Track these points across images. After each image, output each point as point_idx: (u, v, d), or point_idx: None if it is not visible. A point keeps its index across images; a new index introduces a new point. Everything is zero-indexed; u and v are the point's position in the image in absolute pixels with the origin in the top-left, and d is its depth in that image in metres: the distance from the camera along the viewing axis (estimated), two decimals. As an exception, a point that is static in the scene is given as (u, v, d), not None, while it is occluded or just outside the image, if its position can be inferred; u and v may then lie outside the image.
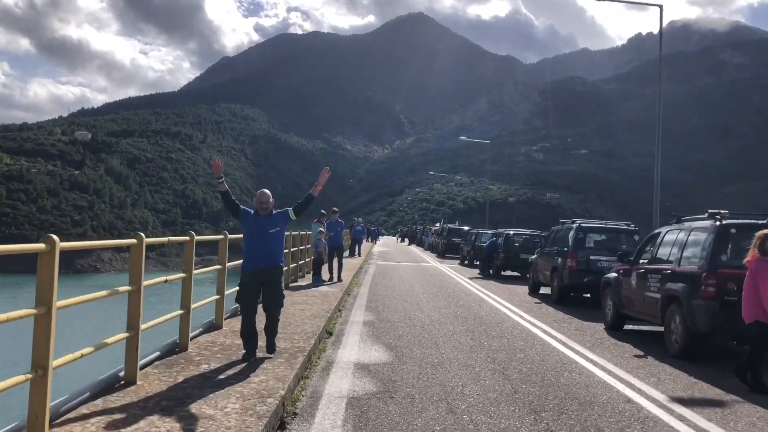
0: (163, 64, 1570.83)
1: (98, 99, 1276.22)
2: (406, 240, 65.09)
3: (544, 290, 16.31)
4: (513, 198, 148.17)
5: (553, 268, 14.83)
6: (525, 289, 17.49)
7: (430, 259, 32.65)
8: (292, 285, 14.33)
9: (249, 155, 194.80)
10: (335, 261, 16.36)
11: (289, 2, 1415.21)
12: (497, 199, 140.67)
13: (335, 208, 17.43)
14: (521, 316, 11.90)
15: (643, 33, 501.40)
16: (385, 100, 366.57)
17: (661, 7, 22.00)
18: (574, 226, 14.69)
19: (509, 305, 13.58)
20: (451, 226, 41.27)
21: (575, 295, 14.79)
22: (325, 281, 15.35)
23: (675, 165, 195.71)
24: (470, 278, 20.62)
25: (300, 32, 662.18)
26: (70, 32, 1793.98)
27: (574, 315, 12.51)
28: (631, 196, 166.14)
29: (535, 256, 17.19)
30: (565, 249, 14.35)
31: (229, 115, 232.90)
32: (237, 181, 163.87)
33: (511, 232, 22.89)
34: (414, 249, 46.97)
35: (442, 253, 35.71)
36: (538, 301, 14.92)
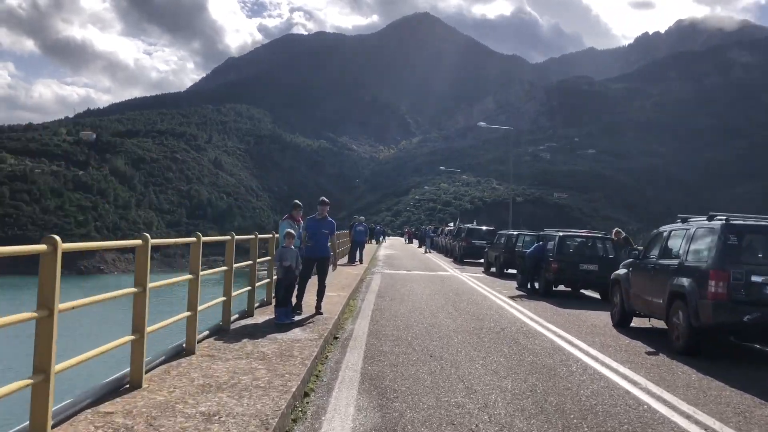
0: (167, 65, 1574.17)
1: (103, 99, 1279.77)
2: (415, 241, 59.25)
3: (636, 321, 11.05)
4: (520, 198, 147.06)
5: (672, 294, 8.93)
6: (601, 317, 11.99)
7: (446, 266, 26.84)
8: (234, 327, 8.40)
9: (254, 155, 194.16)
10: (313, 282, 10.31)
11: (292, 2, 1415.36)
12: (505, 198, 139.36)
13: (324, 198, 10.58)
14: (678, 409, 5.78)
15: (650, 32, 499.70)
16: (390, 100, 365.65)
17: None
18: (717, 224, 8.69)
19: (625, 370, 7.30)
20: (470, 225, 34.91)
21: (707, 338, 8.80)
22: (296, 317, 9.42)
23: (684, 164, 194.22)
24: (511, 297, 15.08)
25: (303, 32, 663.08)
26: (74, 33, 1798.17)
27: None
28: (639, 196, 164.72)
29: (625, 271, 11.15)
30: (701, 264, 8.54)
31: (235, 116, 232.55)
32: (242, 181, 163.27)
33: (562, 234, 16.83)
34: (423, 252, 40.04)
35: (460, 258, 30.24)
36: (652, 350, 8.79)
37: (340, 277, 16.07)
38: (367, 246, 38.21)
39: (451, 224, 49.37)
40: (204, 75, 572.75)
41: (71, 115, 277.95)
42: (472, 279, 20.10)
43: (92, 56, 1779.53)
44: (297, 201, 10.67)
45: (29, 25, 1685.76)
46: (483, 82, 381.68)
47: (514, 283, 18.41)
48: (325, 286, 10.29)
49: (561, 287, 16.69)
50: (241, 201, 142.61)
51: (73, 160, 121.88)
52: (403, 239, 73.17)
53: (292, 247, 9.33)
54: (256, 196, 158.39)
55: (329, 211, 10.55)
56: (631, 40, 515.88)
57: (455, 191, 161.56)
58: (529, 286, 16.99)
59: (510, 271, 21.26)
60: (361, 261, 23.36)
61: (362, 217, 25.33)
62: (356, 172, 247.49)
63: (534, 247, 17.03)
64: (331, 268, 10.89)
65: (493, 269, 23.40)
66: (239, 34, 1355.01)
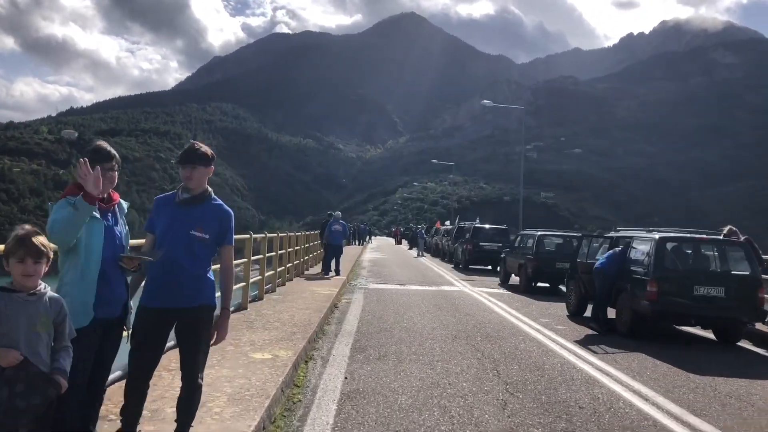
0: (150, 64, 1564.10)
1: (85, 98, 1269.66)
2: (404, 242, 53.34)
3: None
4: (508, 197, 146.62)
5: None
6: None
7: (449, 275, 20.83)
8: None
9: (240, 154, 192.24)
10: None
11: (275, 1, 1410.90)
12: (492, 198, 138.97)
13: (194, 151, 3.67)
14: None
15: (635, 33, 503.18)
16: (377, 100, 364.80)
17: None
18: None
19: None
20: (475, 224, 28.14)
21: None
22: None
23: (669, 164, 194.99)
24: (581, 343, 8.92)
25: (287, 31, 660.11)
26: (56, 31, 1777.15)
27: None
28: (627, 195, 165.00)
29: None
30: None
31: (220, 114, 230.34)
32: (227, 180, 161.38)
33: (663, 236, 10.18)
34: (415, 256, 34.17)
35: (465, 264, 24.61)
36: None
37: (301, 301, 10.86)
38: (349, 249, 32.71)
39: (447, 222, 44.43)
40: (189, 74, 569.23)
41: (54, 114, 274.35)
42: (493, 299, 14.01)
43: (74, 54, 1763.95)
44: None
45: (9, 23, 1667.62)
46: (469, 82, 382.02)
47: (555, 306, 13.09)
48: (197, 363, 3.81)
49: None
50: (225, 200, 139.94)
51: (54, 158, 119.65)
52: (392, 240, 67.16)
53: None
54: (241, 195, 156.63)
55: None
56: (615, 40, 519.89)
57: (442, 191, 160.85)
58: (602, 323, 10.23)
59: (540, 284, 16.69)
60: (337, 272, 17.48)
61: (338, 213, 19.17)
62: (343, 172, 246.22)
63: (607, 259, 10.32)
64: (317, 268, 13.83)
65: (513, 280, 18.16)
66: (222, 32, 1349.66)
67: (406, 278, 18.81)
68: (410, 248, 42.92)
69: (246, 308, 9.47)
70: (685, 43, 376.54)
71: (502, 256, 19.25)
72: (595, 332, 9.91)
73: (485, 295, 14.96)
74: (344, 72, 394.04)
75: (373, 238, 64.53)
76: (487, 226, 27.57)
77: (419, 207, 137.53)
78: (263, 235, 12.07)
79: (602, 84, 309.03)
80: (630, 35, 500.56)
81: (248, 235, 10.55)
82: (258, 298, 10.90)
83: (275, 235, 13.18)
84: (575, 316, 11.57)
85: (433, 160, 72.39)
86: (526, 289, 16.20)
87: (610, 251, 10.53)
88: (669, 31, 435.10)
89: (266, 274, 11.55)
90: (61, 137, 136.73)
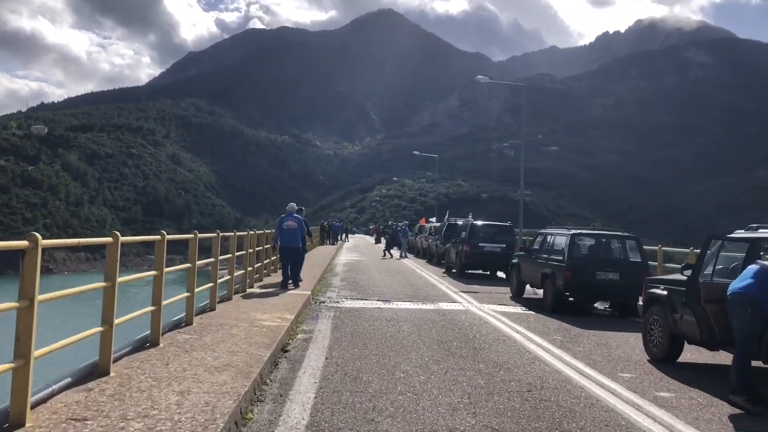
0: (122, 59, 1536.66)
1: (56, 94, 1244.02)
2: (383, 240, 48.11)
3: None
4: (486, 194, 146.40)
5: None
6: None
7: (443, 285, 17.15)
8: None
9: (215, 151, 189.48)
10: None
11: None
12: (470, 195, 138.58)
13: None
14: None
15: (610, 32, 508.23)
16: (355, 97, 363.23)
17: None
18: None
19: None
20: (470, 221, 23.14)
21: None
22: None
23: (645, 162, 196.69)
24: None
25: (261, 26, 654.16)
26: (24, 24, 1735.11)
27: None
28: (604, 193, 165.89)
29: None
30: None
31: (195, 110, 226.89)
32: (201, 177, 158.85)
33: None
34: (399, 258, 30.54)
35: (460, 269, 20.76)
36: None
37: (222, 347, 6.87)
38: (322, 250, 31.73)
39: (434, 219, 40.08)
40: (163, 69, 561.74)
41: (24, 109, 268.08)
42: (520, 327, 10.40)
43: (43, 49, 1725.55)
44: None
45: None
46: (447, 80, 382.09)
47: (617, 340, 9.65)
48: None
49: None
50: (200, 198, 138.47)
51: (23, 154, 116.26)
52: (370, 238, 63.15)
53: None
54: (216, 192, 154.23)
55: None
56: (590, 38, 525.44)
57: (420, 188, 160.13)
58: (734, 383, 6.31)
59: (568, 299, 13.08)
60: (296, 283, 13.83)
61: (292, 204, 14.67)
62: (320, 169, 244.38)
63: (759, 277, 6.36)
64: (253, 288, 13.26)
65: (531, 294, 14.90)
66: (196, 27, 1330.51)
67: (391, 290, 15.00)
68: (388, 249, 38.21)
69: (108, 373, 5.41)
70: (660, 42, 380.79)
71: (514, 261, 15.45)
72: (740, 410, 5.86)
73: (503, 318, 11.15)
74: (321, 68, 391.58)
75: (350, 236, 61.35)
76: (487, 223, 23.10)
77: (397, 204, 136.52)
78: (191, 236, 8.28)
79: (578, 82, 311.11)
80: (606, 34, 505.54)
81: (159, 237, 6.97)
82: (149, 344, 6.70)
83: (214, 235, 9.47)
84: (668, 363, 7.90)
85: (415, 152, 70.34)
86: (555, 307, 12.54)
87: (754, 266, 6.46)
88: (644, 30, 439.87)
89: (190, 294, 7.96)
90: (30, 132, 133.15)
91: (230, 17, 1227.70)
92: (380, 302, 12.77)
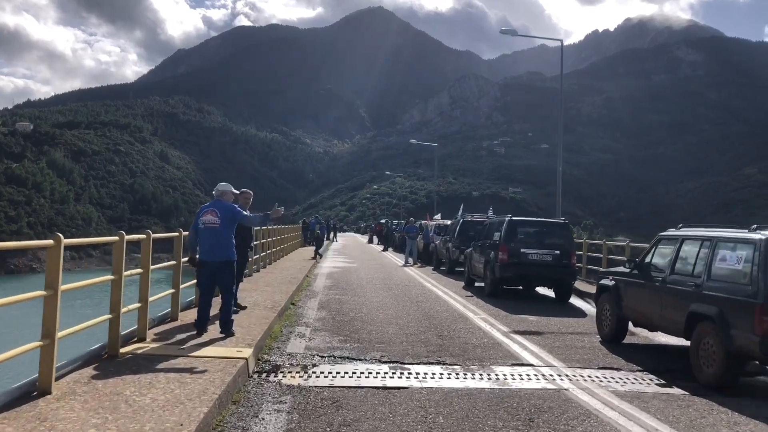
0: (109, 56, 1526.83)
1: (42, 91, 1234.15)
2: (375, 239, 45.81)
3: None
4: (477, 192, 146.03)
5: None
6: None
7: (488, 323, 10.28)
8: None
9: (203, 148, 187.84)
10: None
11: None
12: (461, 193, 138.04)
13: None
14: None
15: (600, 30, 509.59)
16: (345, 95, 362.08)
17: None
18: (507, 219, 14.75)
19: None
20: (513, 218, 15.09)
21: None
22: None
23: (634, 159, 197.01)
24: None
25: (248, 23, 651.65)
26: (7, 20, 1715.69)
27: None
28: (593, 190, 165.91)
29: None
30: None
31: (183, 108, 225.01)
32: (190, 174, 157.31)
33: None
34: (395, 260, 26.57)
35: (493, 285, 14.34)
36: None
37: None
38: (301, 254, 25.00)
39: (438, 216, 33.94)
40: (151, 67, 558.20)
41: (10, 107, 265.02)
42: None
43: (27, 45, 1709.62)
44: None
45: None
46: (437, 78, 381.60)
47: None
48: None
49: None
50: (188, 195, 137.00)
51: (8, 152, 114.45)
52: (362, 237, 59.92)
53: None
54: (204, 190, 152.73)
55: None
56: (579, 36, 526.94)
57: (411, 185, 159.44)
58: None
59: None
60: (225, 329, 7.57)
61: (224, 185, 7.93)
62: (310, 166, 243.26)
63: None
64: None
65: (639, 337, 9.65)
66: (183, 24, 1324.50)
67: (399, 331, 9.20)
68: (384, 249, 33.24)
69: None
70: (649, 41, 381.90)
71: (607, 283, 9.43)
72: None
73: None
74: (311, 66, 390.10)
75: (339, 235, 55.01)
76: (531, 219, 16.59)
77: (387, 202, 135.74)
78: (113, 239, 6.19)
79: (568, 80, 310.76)
80: (595, 32, 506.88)
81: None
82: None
83: (142, 236, 7.00)
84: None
85: (412, 140, 67.50)
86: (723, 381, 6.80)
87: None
88: (633, 29, 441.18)
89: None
90: (16, 130, 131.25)
91: (217, 14, 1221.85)
92: (385, 368, 6.82)
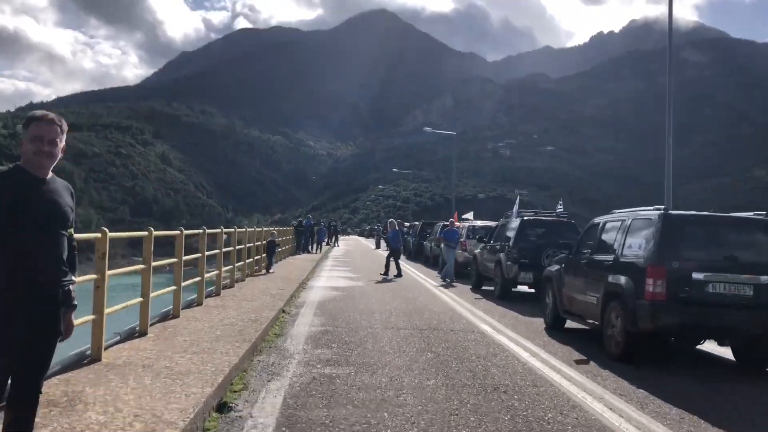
0: (109, 58, 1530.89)
1: (44, 93, 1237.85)
2: (383, 244, 37.55)
3: None
4: (482, 194, 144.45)
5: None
6: None
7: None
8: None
9: (206, 151, 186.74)
10: None
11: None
12: (466, 195, 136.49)
13: None
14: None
15: (605, 31, 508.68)
16: (349, 97, 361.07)
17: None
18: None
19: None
20: (670, 211, 7.38)
21: None
22: None
23: (639, 161, 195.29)
24: None
25: (248, 25, 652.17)
26: (7, 22, 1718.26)
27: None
28: (599, 193, 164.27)
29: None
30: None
31: (186, 110, 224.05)
32: (191, 177, 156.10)
33: None
34: (414, 273, 20.03)
35: (629, 344, 7.03)
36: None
37: None
38: (290, 265, 19.81)
39: (470, 215, 27.43)
40: (155, 69, 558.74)
41: (12, 109, 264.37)
42: None
43: (28, 48, 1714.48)
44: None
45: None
46: (441, 80, 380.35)
47: None
48: None
49: None
50: (189, 198, 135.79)
51: (7, 154, 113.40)
52: (366, 241, 55.62)
53: None
54: (206, 193, 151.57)
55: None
56: (583, 36, 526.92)
57: (416, 188, 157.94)
58: None
59: None
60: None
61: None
62: (313, 168, 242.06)
63: None
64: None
65: None
66: (183, 27, 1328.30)
67: None
68: (388, 256, 26.76)
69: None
70: (654, 42, 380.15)
71: None
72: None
73: None
74: (315, 68, 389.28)
75: (340, 239, 49.14)
76: (716, 215, 7.64)
77: (392, 204, 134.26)
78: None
79: (573, 82, 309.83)
80: (600, 34, 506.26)
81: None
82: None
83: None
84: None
85: (426, 128, 62.09)
86: None
87: None
88: (638, 30, 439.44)
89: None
90: (16, 132, 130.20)
91: (217, 16, 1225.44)
92: None
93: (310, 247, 31.11)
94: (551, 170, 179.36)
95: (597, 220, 9.01)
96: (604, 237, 8.33)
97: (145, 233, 7.34)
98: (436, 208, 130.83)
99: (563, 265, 9.33)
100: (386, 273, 18.17)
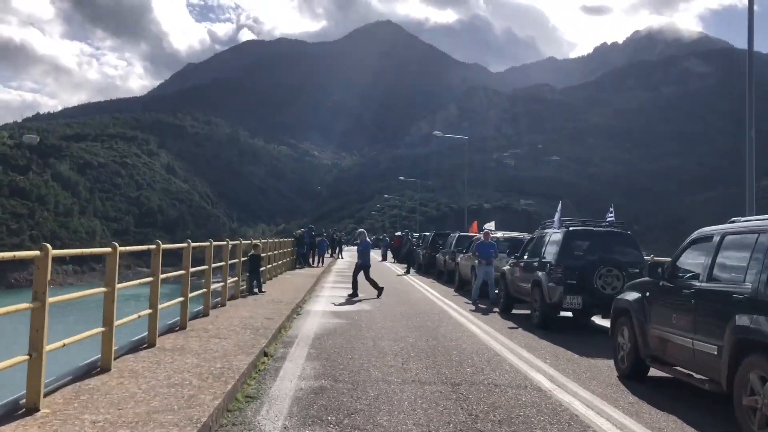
0: (115, 69, 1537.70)
1: (50, 104, 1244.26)
2: (390, 255, 38.57)
3: None
4: (488, 205, 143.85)
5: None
6: None
7: None
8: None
9: (211, 161, 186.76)
10: None
11: (240, 6, 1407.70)
12: (471, 205, 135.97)
13: None
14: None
15: (608, 42, 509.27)
16: (353, 107, 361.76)
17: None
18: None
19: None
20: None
21: None
22: None
23: (645, 171, 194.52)
24: None
25: (253, 37, 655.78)
26: (13, 34, 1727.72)
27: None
28: (606, 203, 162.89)
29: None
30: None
31: (191, 120, 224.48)
32: (196, 187, 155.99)
33: None
34: (428, 293, 18.33)
35: None
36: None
37: None
38: (287, 283, 18.68)
39: (492, 225, 22.94)
40: (161, 81, 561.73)
41: (19, 120, 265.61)
42: None
43: (33, 59, 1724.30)
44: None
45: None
46: (446, 90, 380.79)
47: None
48: None
49: None
50: (194, 208, 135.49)
51: (13, 164, 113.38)
52: (372, 253, 48.96)
53: None
54: (211, 203, 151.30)
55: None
56: (586, 47, 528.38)
57: (421, 197, 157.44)
58: None
59: None
60: None
61: None
62: (318, 179, 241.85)
63: None
64: None
65: None
66: (188, 38, 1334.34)
67: None
68: (407, 271, 26.73)
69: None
70: (658, 53, 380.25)
71: None
72: None
73: None
74: (320, 79, 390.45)
75: (344, 250, 45.86)
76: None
77: (396, 214, 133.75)
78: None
79: (577, 92, 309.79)
80: (604, 45, 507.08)
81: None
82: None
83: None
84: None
85: (436, 132, 59.54)
86: None
87: None
88: (642, 41, 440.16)
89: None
90: (22, 142, 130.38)
91: (222, 28, 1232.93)
92: None
93: (310, 259, 29.82)
94: (556, 180, 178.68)
95: (708, 231, 6.57)
96: (723, 258, 5.93)
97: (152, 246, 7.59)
98: (443, 218, 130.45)
99: (647, 294, 7.14)
100: (354, 293, 16.24)
